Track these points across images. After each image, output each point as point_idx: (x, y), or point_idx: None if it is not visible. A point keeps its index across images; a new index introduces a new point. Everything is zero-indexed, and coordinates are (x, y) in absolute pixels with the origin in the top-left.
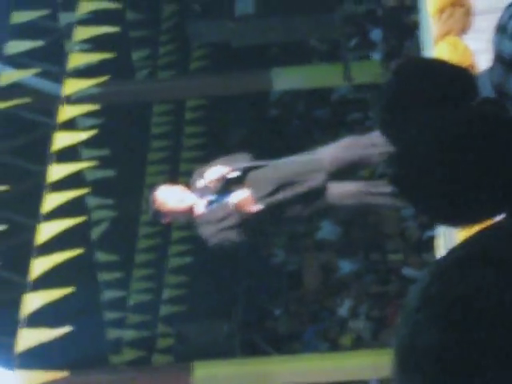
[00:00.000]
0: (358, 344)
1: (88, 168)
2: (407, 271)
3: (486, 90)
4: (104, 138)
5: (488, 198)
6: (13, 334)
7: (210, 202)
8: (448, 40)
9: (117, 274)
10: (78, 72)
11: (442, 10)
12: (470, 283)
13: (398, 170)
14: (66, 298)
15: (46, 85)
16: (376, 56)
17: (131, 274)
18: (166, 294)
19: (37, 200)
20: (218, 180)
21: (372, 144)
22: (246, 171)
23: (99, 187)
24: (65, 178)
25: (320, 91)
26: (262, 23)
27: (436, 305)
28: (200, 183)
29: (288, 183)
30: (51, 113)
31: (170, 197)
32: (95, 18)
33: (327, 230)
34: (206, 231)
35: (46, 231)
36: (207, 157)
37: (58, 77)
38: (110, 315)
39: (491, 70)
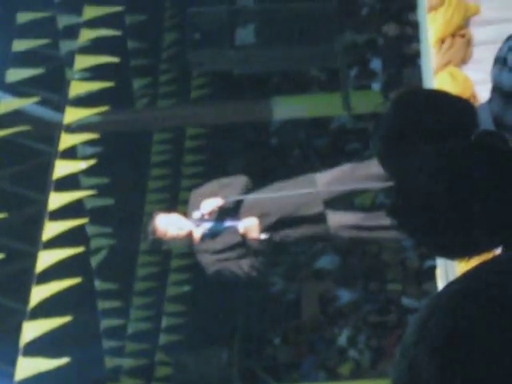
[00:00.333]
0: (357, 373)
1: (87, 196)
2: (406, 301)
3: (486, 122)
4: (104, 166)
5: (486, 231)
6: (13, 362)
7: (207, 230)
8: (448, 70)
9: (116, 303)
10: (79, 100)
11: (442, 40)
12: (468, 318)
13: (396, 202)
14: (64, 326)
15: (46, 113)
16: (376, 86)
17: (130, 302)
18: (165, 322)
19: (36, 228)
20: (213, 211)
21: (369, 174)
22: (239, 201)
23: (98, 215)
24: (64, 206)
25: (320, 120)
26: (262, 52)
27: (434, 339)
28: (196, 214)
29: (288, 215)
30: (51, 141)
31: (170, 224)
32: (96, 45)
33: (326, 260)
34: (205, 259)
35: (46, 259)
36: None
37: (59, 105)
38: (108, 343)
39: (490, 101)
